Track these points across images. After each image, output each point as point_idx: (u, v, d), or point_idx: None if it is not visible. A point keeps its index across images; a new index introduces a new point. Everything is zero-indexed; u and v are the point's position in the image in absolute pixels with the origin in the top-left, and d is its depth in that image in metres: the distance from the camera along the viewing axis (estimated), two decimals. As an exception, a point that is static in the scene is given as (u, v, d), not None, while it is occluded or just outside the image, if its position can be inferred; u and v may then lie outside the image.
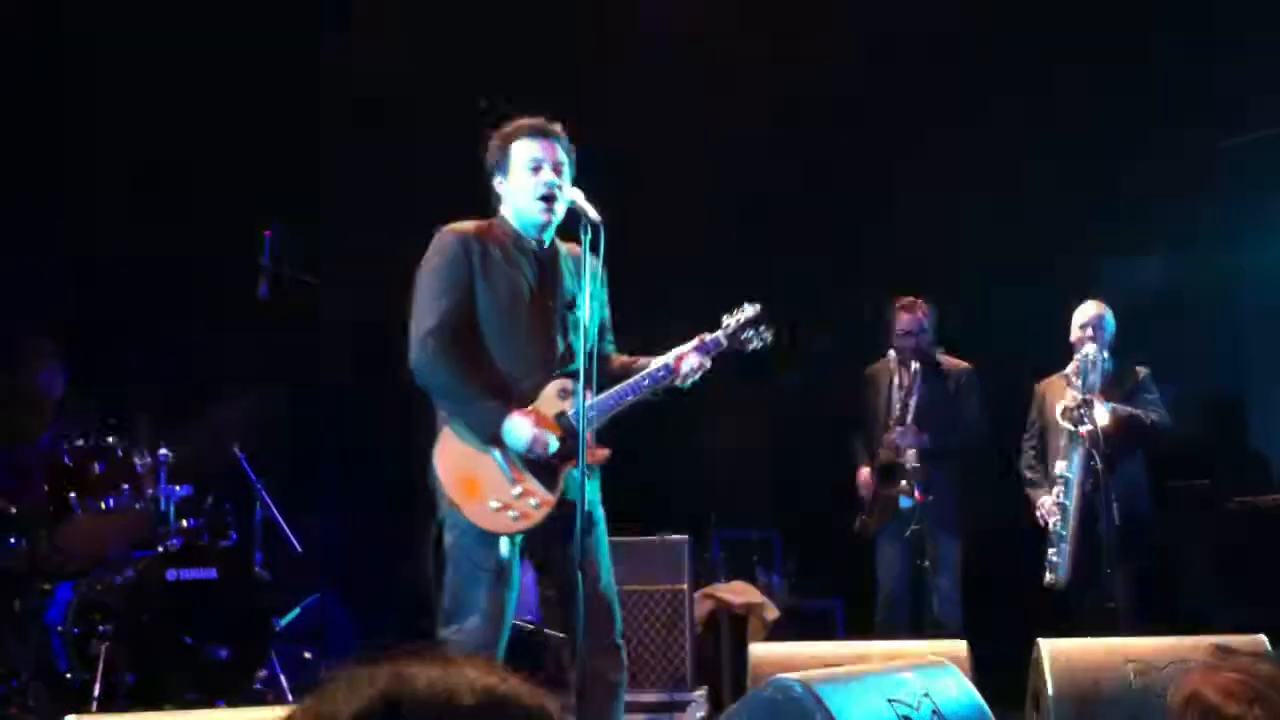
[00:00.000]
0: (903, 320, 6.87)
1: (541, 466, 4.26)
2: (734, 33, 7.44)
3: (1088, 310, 6.70)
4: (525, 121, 4.42)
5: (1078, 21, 7.25)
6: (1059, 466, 6.54)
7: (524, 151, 4.39)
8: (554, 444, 4.23)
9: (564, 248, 4.52)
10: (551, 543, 4.35)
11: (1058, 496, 6.53)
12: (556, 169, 4.37)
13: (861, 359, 7.17)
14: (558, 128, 4.44)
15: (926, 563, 6.67)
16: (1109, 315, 6.67)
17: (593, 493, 4.41)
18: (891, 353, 6.99)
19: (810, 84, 7.50)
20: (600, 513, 4.46)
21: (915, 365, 6.82)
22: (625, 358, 4.58)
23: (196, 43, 7.27)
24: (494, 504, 4.24)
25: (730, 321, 4.45)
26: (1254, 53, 7.04)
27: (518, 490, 4.26)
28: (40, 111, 7.20)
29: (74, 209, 7.37)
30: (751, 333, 4.45)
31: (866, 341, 7.17)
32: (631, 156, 6.87)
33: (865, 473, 6.98)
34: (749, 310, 4.47)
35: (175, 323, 7.30)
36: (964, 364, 6.95)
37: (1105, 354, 6.57)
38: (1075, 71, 7.38)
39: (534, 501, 4.26)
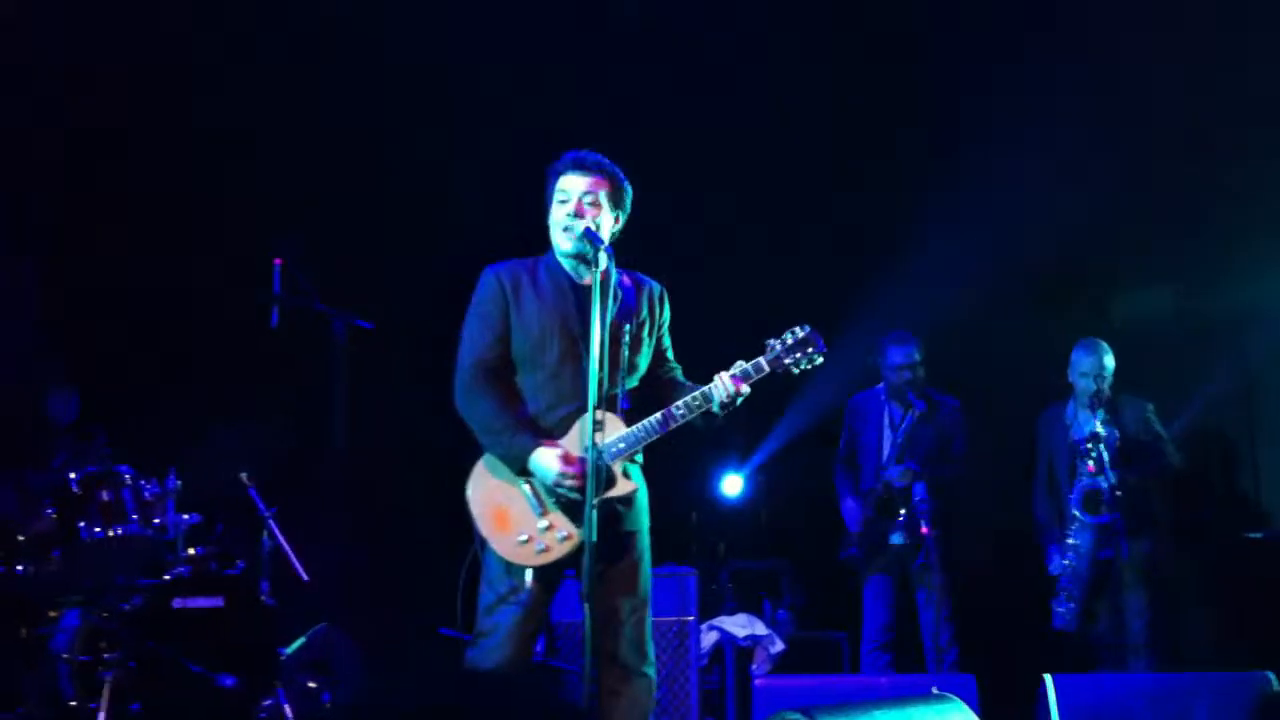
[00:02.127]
0: (897, 354, 6.87)
1: (572, 500, 4.28)
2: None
3: (1087, 347, 6.73)
4: (568, 155, 4.46)
5: (1084, 50, 7.28)
6: (1070, 505, 6.55)
7: (559, 185, 4.43)
8: (577, 478, 4.25)
9: (616, 277, 4.40)
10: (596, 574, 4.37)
11: (1068, 536, 6.54)
12: (587, 201, 4.39)
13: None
14: (599, 160, 4.45)
15: (923, 597, 6.68)
16: (1108, 352, 6.70)
17: (636, 523, 4.43)
18: (881, 386, 7.00)
19: (814, 106, 7.54)
20: (645, 542, 4.45)
21: (910, 399, 6.82)
22: (689, 383, 4.53)
23: (206, 72, 7.32)
24: (521, 537, 4.29)
25: (775, 344, 4.37)
26: (1253, 80, 7.07)
27: (545, 524, 4.30)
28: (47, 144, 7.23)
29: (83, 237, 7.40)
30: (799, 355, 4.37)
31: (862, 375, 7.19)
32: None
33: (853, 505, 6.95)
34: (798, 333, 4.38)
35: (186, 351, 7.32)
36: (950, 397, 6.95)
37: (1108, 391, 6.60)
38: (1083, 100, 7.40)
39: (560, 535, 4.29)
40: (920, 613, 6.75)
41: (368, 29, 7.34)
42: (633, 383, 4.46)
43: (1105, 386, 6.61)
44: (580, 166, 4.42)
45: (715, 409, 4.34)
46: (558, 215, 4.40)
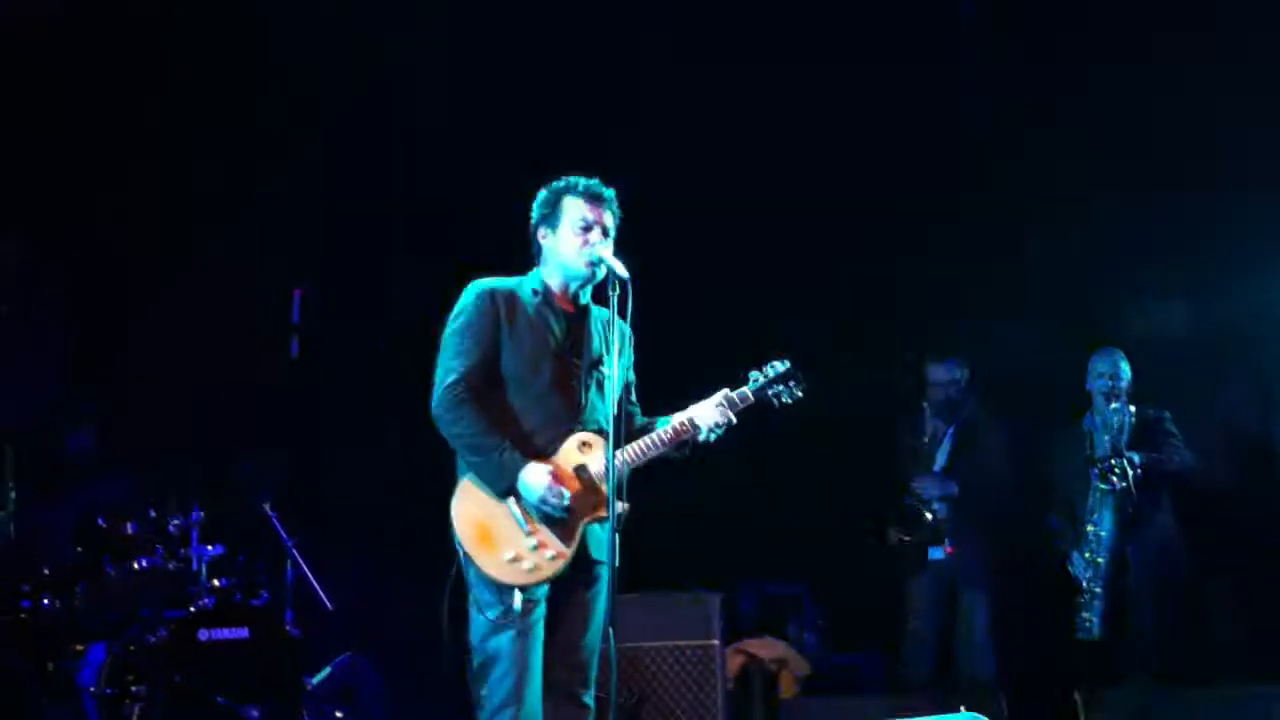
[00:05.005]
0: (935, 372, 7.03)
1: (558, 519, 4.28)
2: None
3: (1103, 351, 6.74)
4: (580, 180, 4.47)
5: (1098, 53, 7.30)
6: (1091, 524, 6.53)
7: (576, 210, 4.43)
8: (567, 496, 4.26)
9: (595, 308, 4.56)
10: (557, 594, 4.37)
11: (1091, 554, 6.51)
12: (604, 234, 4.42)
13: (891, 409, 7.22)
14: (611, 193, 4.49)
15: (961, 612, 6.72)
16: (1124, 360, 6.71)
17: (603, 548, 4.40)
18: (925, 404, 7.08)
19: (826, 120, 7.56)
20: (606, 569, 4.42)
21: (950, 416, 6.95)
22: (647, 420, 4.59)
23: (225, 100, 7.36)
24: (508, 555, 4.25)
25: (759, 377, 4.45)
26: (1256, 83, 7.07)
27: (533, 542, 4.27)
28: (67, 173, 7.27)
29: (104, 268, 7.43)
30: (781, 388, 4.44)
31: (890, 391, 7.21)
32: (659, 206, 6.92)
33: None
34: (779, 366, 4.46)
35: (207, 381, 7.33)
36: (989, 415, 7.01)
37: (1130, 408, 6.60)
38: (1099, 107, 7.41)
39: (550, 554, 4.27)
40: (959, 630, 6.82)
41: (371, 34, 7.37)
42: (609, 411, 4.44)
43: (1120, 386, 6.62)
44: (597, 198, 4.44)
45: (702, 436, 4.39)
46: (577, 241, 4.41)
